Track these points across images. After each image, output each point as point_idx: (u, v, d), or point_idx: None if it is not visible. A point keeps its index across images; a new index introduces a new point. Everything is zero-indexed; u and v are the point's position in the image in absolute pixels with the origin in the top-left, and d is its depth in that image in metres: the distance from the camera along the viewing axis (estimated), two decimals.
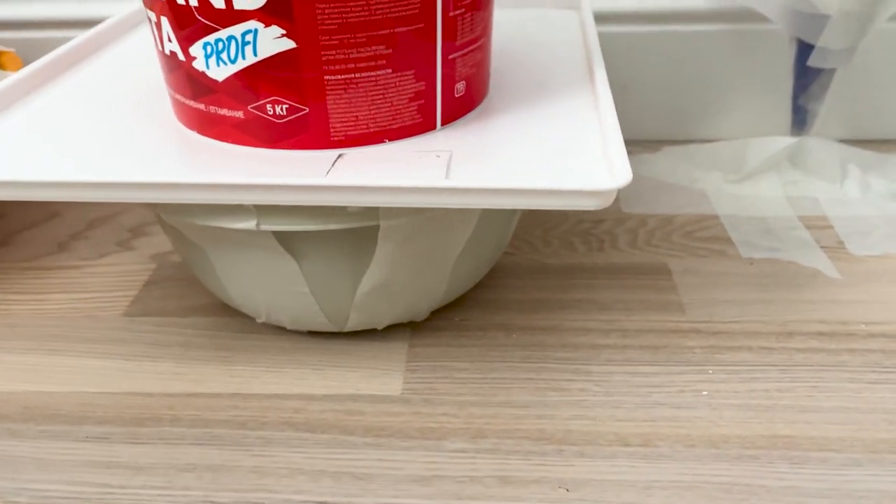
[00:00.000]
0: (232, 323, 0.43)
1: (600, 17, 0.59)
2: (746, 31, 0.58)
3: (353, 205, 0.31)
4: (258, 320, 0.41)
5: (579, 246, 0.50)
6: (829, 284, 0.45)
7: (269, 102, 0.34)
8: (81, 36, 0.47)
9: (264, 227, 0.33)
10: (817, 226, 0.51)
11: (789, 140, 0.55)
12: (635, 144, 0.63)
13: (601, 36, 0.59)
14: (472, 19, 0.37)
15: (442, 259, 0.37)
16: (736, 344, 0.40)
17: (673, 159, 0.60)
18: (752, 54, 0.59)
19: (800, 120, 0.54)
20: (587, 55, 0.45)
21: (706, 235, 0.50)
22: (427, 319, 0.42)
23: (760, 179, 0.56)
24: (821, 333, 0.40)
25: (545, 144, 0.34)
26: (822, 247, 0.48)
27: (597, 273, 0.47)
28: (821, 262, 0.47)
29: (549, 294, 0.45)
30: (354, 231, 0.34)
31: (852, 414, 0.35)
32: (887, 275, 0.45)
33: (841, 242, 0.49)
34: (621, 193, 0.56)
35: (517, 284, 0.46)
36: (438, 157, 0.34)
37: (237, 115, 0.35)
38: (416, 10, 0.34)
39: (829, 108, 0.60)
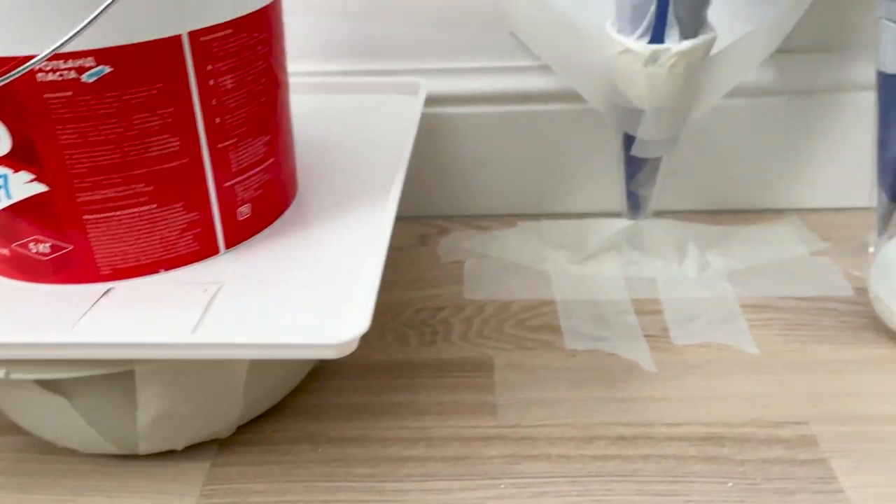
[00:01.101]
0: (39, 442, 0.42)
1: (452, 99, 0.59)
2: (588, 111, 0.59)
3: (95, 358, 0.31)
4: (58, 444, 0.40)
5: (412, 338, 0.50)
6: (643, 379, 0.45)
7: (30, 241, 0.34)
8: None
9: (14, 376, 0.32)
10: (647, 310, 0.51)
11: (627, 222, 0.56)
12: (492, 219, 0.63)
13: (453, 116, 0.60)
14: (250, 146, 0.37)
15: (225, 387, 0.37)
16: (536, 451, 0.40)
17: (525, 235, 0.60)
18: (596, 133, 0.60)
19: (633, 204, 0.55)
20: (401, 156, 0.46)
21: (538, 324, 0.51)
22: (237, 433, 0.42)
23: (602, 259, 0.56)
24: (621, 438, 0.41)
25: (313, 279, 0.34)
26: (646, 335, 0.49)
27: (422, 370, 0.47)
28: (640, 353, 0.47)
29: (370, 397, 0.45)
30: (112, 375, 0.33)
31: None
32: (701, 367, 0.46)
33: (666, 329, 0.49)
34: (466, 278, 0.56)
35: (341, 386, 0.46)
36: (205, 290, 0.34)
37: (3, 252, 0.35)
38: (177, 148, 0.33)
39: (679, 179, 0.62)
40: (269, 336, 0.29)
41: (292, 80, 0.58)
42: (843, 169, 0.60)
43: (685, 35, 0.45)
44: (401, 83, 0.57)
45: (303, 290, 0.33)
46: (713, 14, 0.53)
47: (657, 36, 0.45)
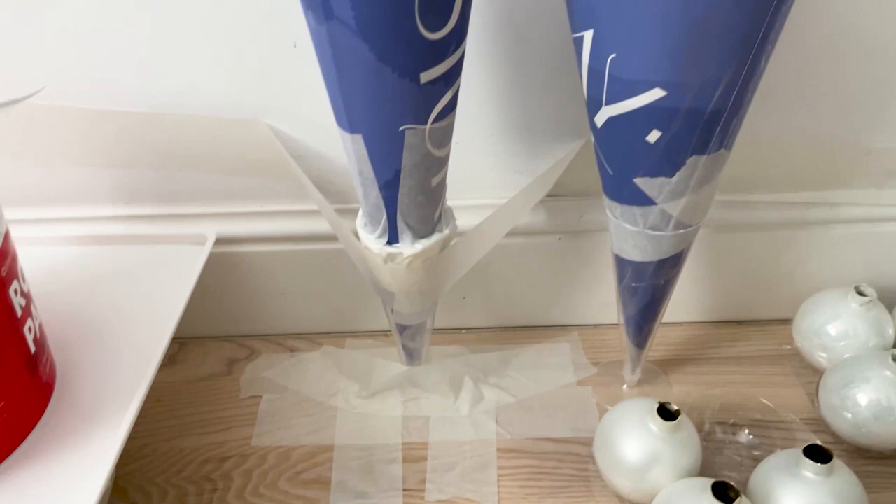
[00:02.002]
0: None
1: (250, 239, 0.62)
2: None
3: None
4: None
5: (191, 498, 0.54)
6: None
7: None
8: None
9: None
10: (414, 457, 0.56)
11: (404, 367, 0.60)
12: (302, 339, 0.67)
13: (253, 253, 0.63)
14: None
15: None
16: None
17: (325, 363, 0.64)
18: None
19: (408, 355, 0.59)
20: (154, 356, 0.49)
21: (311, 478, 0.55)
22: None
23: (386, 396, 0.61)
24: None
25: None
26: (405, 489, 0.54)
27: None
28: None
29: None
30: None
31: None
32: None
33: (424, 481, 0.54)
34: (259, 419, 0.60)
35: None
36: None
37: None
38: None
39: (470, 301, 0.66)
40: None
41: (78, 231, 0.60)
42: (611, 291, 0.65)
43: (419, 236, 0.48)
44: (190, 234, 0.59)
45: None
46: (493, 156, 0.57)
47: (393, 237, 0.48)
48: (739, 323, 0.67)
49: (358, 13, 0.37)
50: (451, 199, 0.60)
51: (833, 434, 0.55)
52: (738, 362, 0.63)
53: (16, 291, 0.42)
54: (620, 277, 0.53)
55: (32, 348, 0.44)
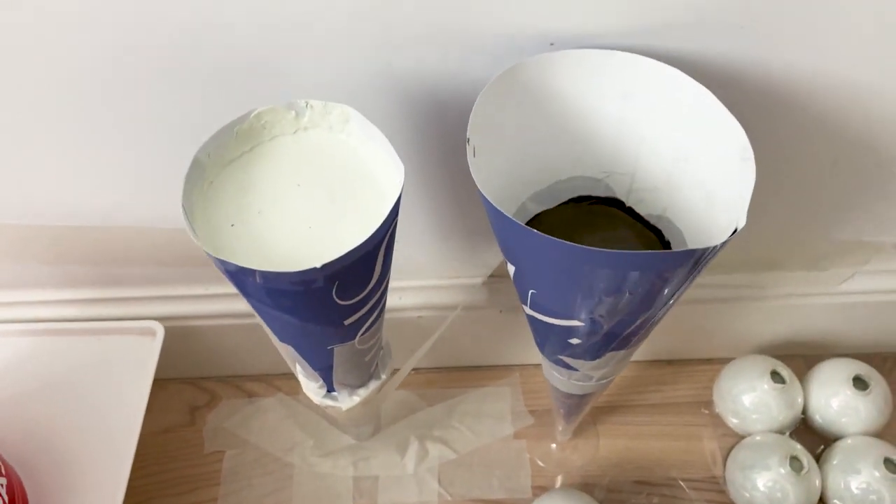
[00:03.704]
0: None
1: (193, 317, 0.64)
2: None
3: None
4: None
5: None
6: None
7: None
8: None
9: None
10: None
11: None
12: (256, 381, 0.71)
13: (197, 328, 0.65)
14: None
15: None
16: None
17: (282, 411, 0.69)
18: None
19: (356, 436, 0.64)
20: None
21: None
22: None
23: (338, 456, 0.66)
24: None
25: None
26: None
27: None
28: None
29: None
30: None
31: None
32: None
33: None
34: (223, 478, 0.66)
35: None
36: None
37: None
38: None
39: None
40: None
41: (21, 315, 0.61)
42: None
43: (356, 387, 0.51)
44: (138, 326, 0.61)
45: None
46: (436, 253, 0.58)
47: (331, 388, 0.51)
48: (669, 362, 0.72)
49: (274, 301, 0.37)
50: (397, 280, 0.62)
51: None
52: (663, 410, 0.69)
53: None
54: (552, 391, 0.57)
55: (6, 499, 0.48)
